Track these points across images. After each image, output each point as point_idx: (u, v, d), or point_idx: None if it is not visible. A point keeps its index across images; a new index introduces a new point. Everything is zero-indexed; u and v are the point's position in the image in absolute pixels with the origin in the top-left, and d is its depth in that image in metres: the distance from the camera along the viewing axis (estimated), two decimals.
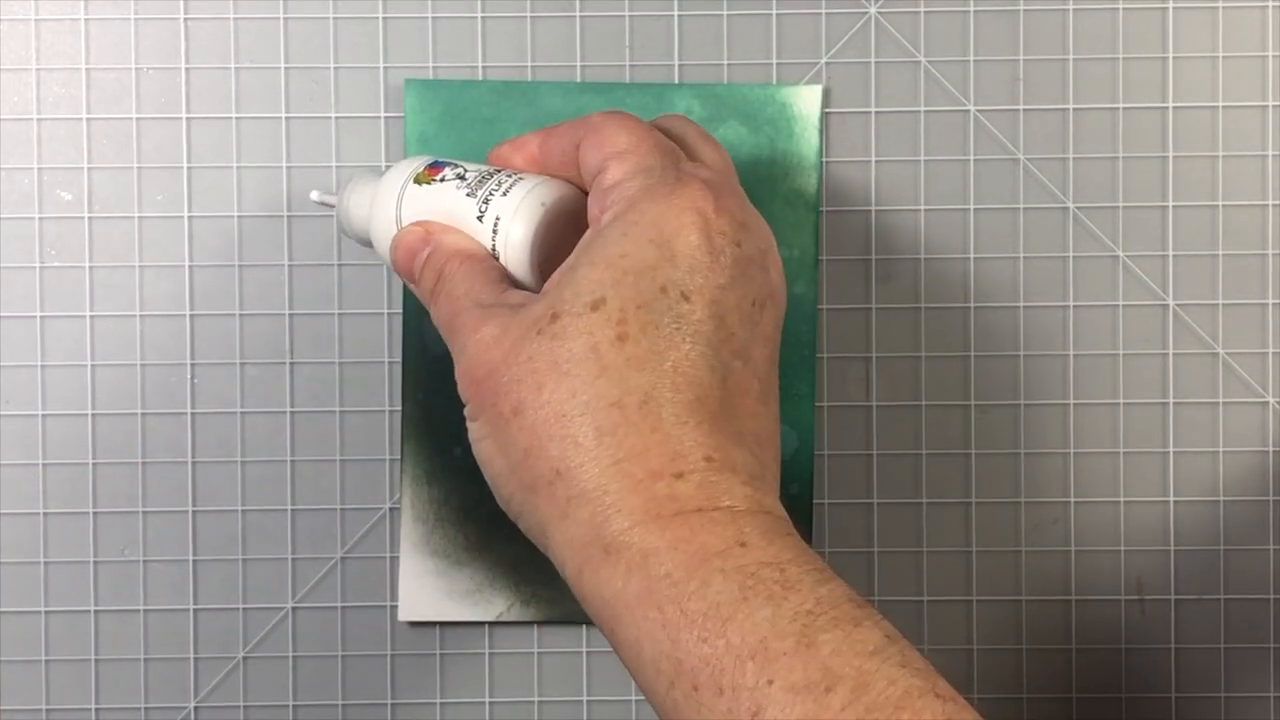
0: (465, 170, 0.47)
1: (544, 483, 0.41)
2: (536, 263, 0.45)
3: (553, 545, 0.41)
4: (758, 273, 0.43)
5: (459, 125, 0.55)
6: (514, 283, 0.45)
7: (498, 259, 0.46)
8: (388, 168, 0.47)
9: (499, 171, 0.47)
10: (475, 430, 0.43)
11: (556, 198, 0.46)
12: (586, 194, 0.45)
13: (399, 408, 0.55)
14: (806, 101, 0.56)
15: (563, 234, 0.46)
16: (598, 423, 0.40)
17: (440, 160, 0.48)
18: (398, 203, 0.47)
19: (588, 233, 0.43)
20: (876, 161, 0.56)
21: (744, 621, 0.37)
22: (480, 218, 0.46)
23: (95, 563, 0.56)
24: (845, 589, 0.38)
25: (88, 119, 0.56)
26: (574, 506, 0.40)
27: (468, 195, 0.46)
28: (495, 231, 0.45)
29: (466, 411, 0.43)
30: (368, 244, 0.49)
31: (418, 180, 0.47)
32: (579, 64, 0.56)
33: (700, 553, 0.39)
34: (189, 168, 0.56)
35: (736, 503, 0.40)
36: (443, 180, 0.47)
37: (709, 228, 0.42)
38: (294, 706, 0.56)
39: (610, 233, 0.42)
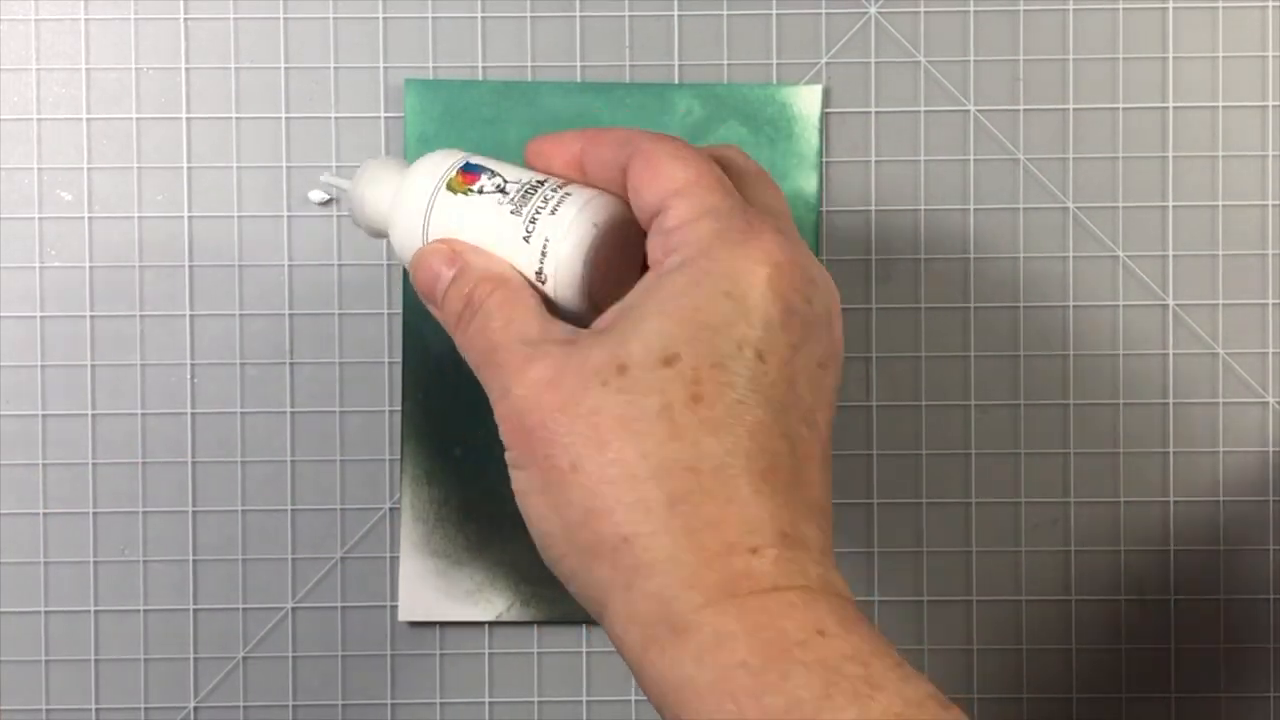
0: (505, 180, 0.44)
1: (608, 549, 0.38)
2: (587, 288, 0.42)
3: (612, 617, 0.38)
4: (824, 332, 0.41)
5: (459, 125, 0.55)
6: (555, 310, 0.42)
7: (544, 282, 0.42)
8: (413, 160, 0.45)
9: (542, 184, 0.44)
10: (523, 481, 0.40)
11: (608, 217, 0.43)
12: (633, 215, 0.43)
13: (399, 408, 0.55)
14: (806, 101, 0.56)
15: (611, 254, 0.43)
16: (671, 488, 0.37)
17: (474, 164, 0.44)
18: (427, 210, 0.44)
19: (650, 275, 0.41)
20: (876, 161, 0.56)
21: None
22: (527, 238, 0.42)
23: (95, 563, 0.56)
24: (929, 687, 0.36)
25: (88, 119, 0.56)
26: (641, 577, 0.37)
27: (511, 213, 0.43)
28: (544, 254, 0.42)
29: (510, 458, 0.40)
30: (378, 236, 0.46)
31: (451, 188, 0.44)
32: (579, 64, 0.56)
33: (779, 641, 0.36)
34: (189, 168, 0.56)
35: (811, 582, 0.37)
36: (480, 191, 0.44)
37: (784, 283, 0.40)
38: (294, 706, 0.56)
39: (680, 280, 0.40)
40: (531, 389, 0.39)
